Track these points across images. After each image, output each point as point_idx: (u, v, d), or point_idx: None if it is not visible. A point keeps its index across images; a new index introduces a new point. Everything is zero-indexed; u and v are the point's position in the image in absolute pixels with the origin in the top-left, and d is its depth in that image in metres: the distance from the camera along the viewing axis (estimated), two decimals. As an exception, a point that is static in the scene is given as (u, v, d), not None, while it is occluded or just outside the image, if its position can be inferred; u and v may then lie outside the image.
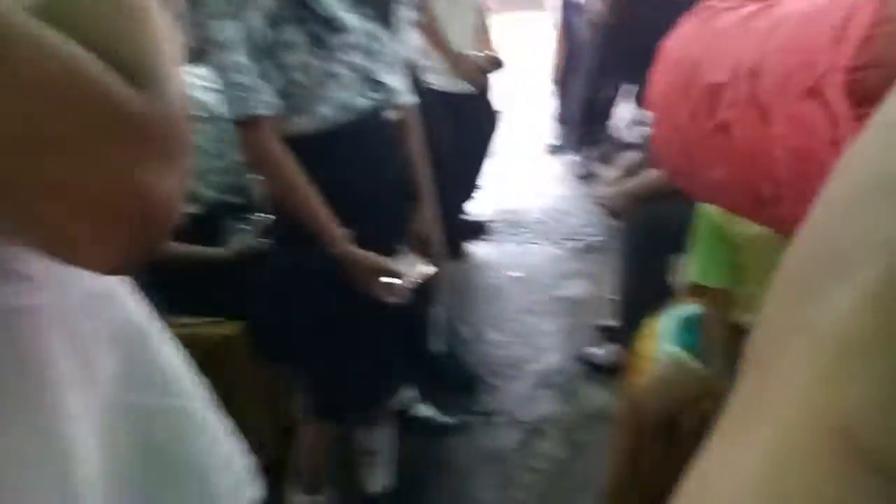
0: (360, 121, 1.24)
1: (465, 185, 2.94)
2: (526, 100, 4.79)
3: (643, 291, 1.88)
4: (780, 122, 0.38)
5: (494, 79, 2.65)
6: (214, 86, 1.42)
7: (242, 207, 1.78)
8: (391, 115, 1.31)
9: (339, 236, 1.22)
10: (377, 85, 1.25)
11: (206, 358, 1.48)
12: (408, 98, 1.37)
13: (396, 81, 1.30)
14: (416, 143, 1.40)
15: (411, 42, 1.39)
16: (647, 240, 1.92)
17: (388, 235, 1.35)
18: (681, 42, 0.49)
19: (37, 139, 0.35)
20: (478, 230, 3.14)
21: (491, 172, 3.03)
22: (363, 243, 1.25)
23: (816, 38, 0.36)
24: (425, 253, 1.39)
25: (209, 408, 0.65)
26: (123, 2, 0.40)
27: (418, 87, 2.48)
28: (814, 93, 0.36)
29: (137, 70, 0.39)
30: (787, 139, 0.37)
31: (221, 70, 1.14)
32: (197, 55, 1.55)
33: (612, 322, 2.22)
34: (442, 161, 1.97)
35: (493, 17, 2.73)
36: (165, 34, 0.42)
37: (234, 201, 1.80)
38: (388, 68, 1.27)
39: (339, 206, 1.22)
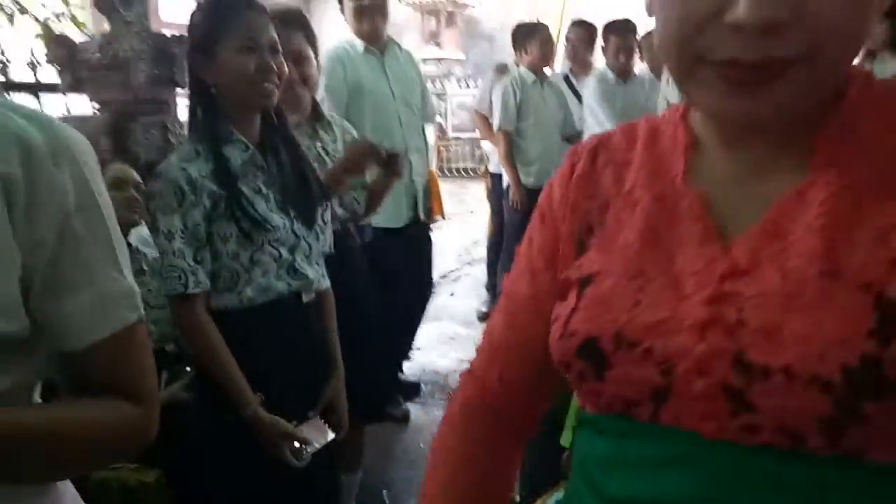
0: (279, 301, 1.42)
1: (399, 345, 3.06)
2: (464, 264, 5.13)
3: (544, 468, 1.99)
4: None
5: (437, 241, 2.90)
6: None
7: (177, 357, 1.91)
8: (308, 297, 1.50)
9: (250, 401, 1.36)
10: (296, 273, 1.45)
11: (125, 502, 1.56)
12: (324, 283, 1.56)
13: (313, 271, 1.50)
14: (329, 322, 1.58)
15: (328, 239, 1.61)
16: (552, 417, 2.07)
17: (298, 403, 1.48)
18: None
19: (72, 461, 0.64)
20: (410, 391, 3.18)
21: (425, 335, 3.20)
22: (274, 409, 1.38)
23: None
24: (332, 420, 1.53)
25: None
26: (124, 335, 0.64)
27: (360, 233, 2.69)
28: None
29: (136, 391, 0.64)
30: None
31: (163, 253, 1.34)
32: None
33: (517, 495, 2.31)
34: (371, 322, 2.14)
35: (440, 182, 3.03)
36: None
37: (170, 350, 1.93)
38: (307, 259, 1.48)
39: (255, 374, 1.37)
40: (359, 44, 2.66)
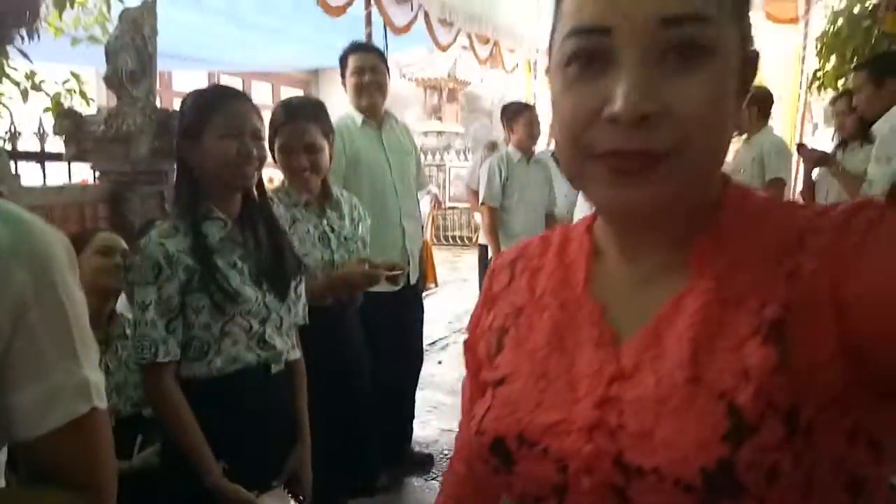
0: (247, 371, 1.48)
1: (400, 415, 3.06)
2: (454, 332, 5.17)
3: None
4: None
5: (428, 308, 2.94)
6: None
7: (152, 422, 1.94)
8: (278, 367, 1.55)
9: (212, 469, 1.40)
10: (265, 344, 1.51)
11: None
12: (294, 354, 1.62)
13: (282, 342, 1.56)
14: (298, 392, 1.64)
15: (301, 310, 1.67)
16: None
17: (263, 472, 1.52)
18: None
19: None
20: (422, 463, 3.13)
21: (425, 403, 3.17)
22: (239, 477, 1.42)
23: None
24: (296, 490, 1.57)
25: None
26: (84, 435, 0.67)
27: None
28: None
29: (86, 483, 0.67)
30: None
31: (136, 323, 1.41)
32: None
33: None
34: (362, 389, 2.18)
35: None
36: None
37: (146, 415, 1.97)
38: (277, 331, 1.55)
39: (221, 442, 1.42)
40: (358, 117, 2.81)
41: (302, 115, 1.94)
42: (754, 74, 0.55)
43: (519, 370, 0.60)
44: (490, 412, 0.59)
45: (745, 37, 0.53)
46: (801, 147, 3.45)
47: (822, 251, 0.48)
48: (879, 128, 2.90)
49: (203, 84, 9.61)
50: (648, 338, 0.53)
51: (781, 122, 6.06)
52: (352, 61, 2.75)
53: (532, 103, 5.66)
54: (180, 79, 8.59)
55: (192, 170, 1.49)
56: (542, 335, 0.60)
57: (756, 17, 5.23)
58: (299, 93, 11.54)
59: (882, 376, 0.44)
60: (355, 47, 2.84)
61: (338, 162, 2.64)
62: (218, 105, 1.47)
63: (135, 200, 2.57)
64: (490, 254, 3.95)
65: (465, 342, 0.72)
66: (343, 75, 2.84)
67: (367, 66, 2.73)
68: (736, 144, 4.57)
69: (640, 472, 0.48)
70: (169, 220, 1.52)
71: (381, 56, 2.81)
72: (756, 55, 0.55)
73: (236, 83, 10.03)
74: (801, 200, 3.58)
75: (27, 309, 0.62)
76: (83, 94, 2.63)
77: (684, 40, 0.48)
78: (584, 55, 0.51)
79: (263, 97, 10.54)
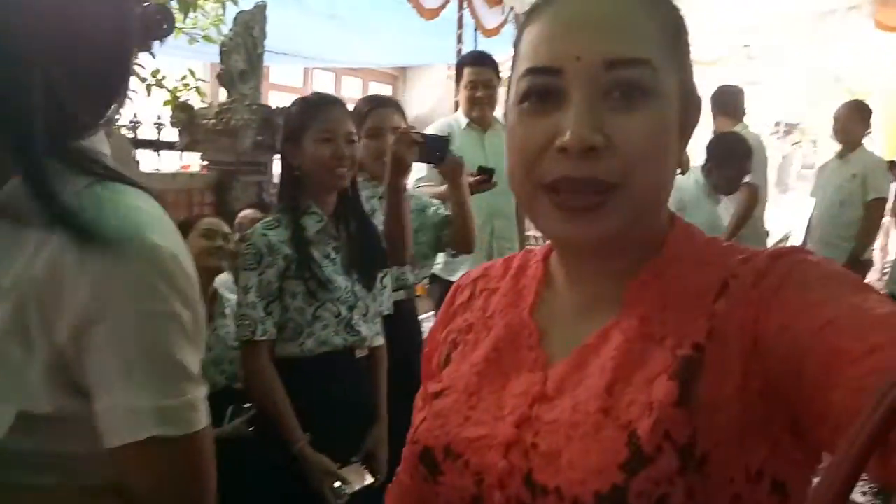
0: (334, 354, 1.63)
1: None
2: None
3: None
4: None
5: None
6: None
7: (244, 393, 2.11)
8: (363, 352, 1.69)
9: (299, 438, 1.54)
10: (352, 330, 1.65)
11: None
12: (378, 341, 1.74)
13: (367, 329, 1.69)
14: (379, 376, 1.76)
15: (386, 300, 1.79)
16: None
17: (344, 448, 1.65)
18: None
19: None
20: None
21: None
22: (322, 450, 1.56)
23: None
24: (373, 466, 1.69)
25: None
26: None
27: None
28: None
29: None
30: None
31: (239, 304, 1.59)
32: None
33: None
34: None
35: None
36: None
37: (239, 388, 2.14)
38: (363, 318, 1.68)
39: (307, 417, 1.56)
40: (463, 120, 2.99)
41: (384, 103, 2.09)
42: (697, 119, 0.59)
43: (456, 385, 0.62)
44: (424, 423, 0.61)
45: (686, 83, 0.57)
46: (893, 166, 3.32)
47: (740, 294, 0.51)
48: None
49: (298, 77, 9.90)
50: (574, 364, 0.56)
51: (885, 134, 5.77)
52: (468, 74, 2.90)
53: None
54: (277, 72, 8.99)
55: (294, 170, 1.65)
56: (482, 353, 0.63)
57: (865, 24, 4.97)
58: (388, 88, 11.83)
59: (794, 414, 0.45)
60: (473, 59, 3.01)
61: None
62: (316, 112, 1.63)
63: (237, 188, 2.79)
64: None
65: (423, 353, 0.75)
66: (457, 82, 3.02)
67: (480, 80, 2.87)
68: (825, 159, 4.39)
69: (545, 490, 0.51)
70: (272, 213, 1.69)
71: (495, 69, 2.94)
72: (698, 101, 0.59)
73: (328, 78, 10.39)
74: (892, 217, 3.43)
75: (92, 322, 0.60)
76: (199, 91, 2.86)
77: (627, 81, 0.52)
78: (538, 92, 0.55)
79: (353, 91, 10.88)
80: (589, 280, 0.61)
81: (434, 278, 2.99)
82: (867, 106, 3.78)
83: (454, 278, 2.86)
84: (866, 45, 6.22)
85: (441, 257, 2.92)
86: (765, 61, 7.04)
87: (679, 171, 0.58)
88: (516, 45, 0.60)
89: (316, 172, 1.62)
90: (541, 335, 0.61)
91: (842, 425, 0.38)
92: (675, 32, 0.57)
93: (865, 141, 3.79)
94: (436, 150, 2.00)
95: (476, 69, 2.90)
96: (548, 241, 0.67)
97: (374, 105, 2.06)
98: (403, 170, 1.84)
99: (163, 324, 0.64)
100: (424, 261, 2.33)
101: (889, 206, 3.49)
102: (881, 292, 0.57)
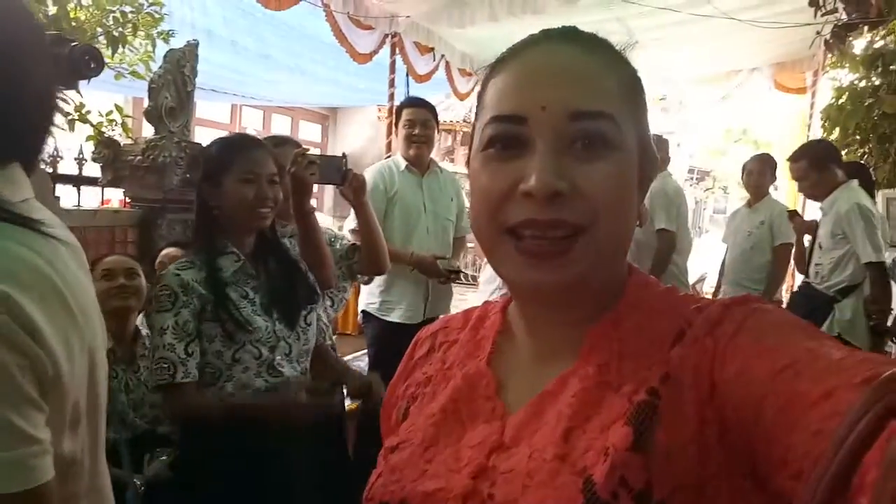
0: (256, 396, 1.57)
1: None
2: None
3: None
4: None
5: None
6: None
7: (166, 438, 2.04)
8: None
9: None
10: (275, 371, 1.60)
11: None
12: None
13: (291, 369, 1.64)
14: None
15: (312, 338, 1.75)
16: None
17: (274, 495, 1.57)
18: None
19: None
20: None
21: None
22: (246, 498, 1.50)
23: None
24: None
25: None
26: None
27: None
28: None
29: None
30: None
31: (155, 348, 1.52)
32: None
33: None
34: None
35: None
36: None
37: (160, 432, 2.07)
38: (286, 358, 1.63)
39: (228, 464, 1.50)
40: (401, 163, 3.04)
41: (283, 141, 2.15)
42: (652, 174, 0.60)
43: (412, 438, 0.61)
44: (379, 479, 0.60)
45: (643, 138, 0.58)
46: (794, 215, 3.59)
47: (696, 342, 0.51)
48: (834, 209, 3.17)
49: (225, 113, 9.76)
50: (532, 412, 0.56)
51: (786, 187, 6.21)
52: (406, 114, 2.99)
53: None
54: (203, 108, 8.85)
55: (211, 209, 1.63)
56: (439, 404, 0.62)
57: (766, 84, 5.39)
58: (318, 127, 11.83)
59: (753, 460, 0.45)
60: (410, 102, 3.11)
61: (377, 203, 2.82)
62: (239, 152, 1.62)
63: (163, 226, 2.72)
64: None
65: (382, 408, 0.74)
66: (396, 124, 3.09)
67: (418, 120, 2.96)
68: (734, 205, 4.72)
69: None
70: (186, 254, 1.65)
71: (432, 111, 3.03)
72: (655, 156, 0.61)
73: (257, 115, 10.32)
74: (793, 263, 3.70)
75: None
76: (125, 127, 2.80)
77: (590, 133, 0.53)
78: (503, 139, 0.55)
79: (283, 129, 10.82)
80: (548, 329, 0.61)
81: (368, 316, 3.00)
82: (773, 158, 4.09)
83: (391, 318, 2.91)
84: (768, 102, 6.74)
85: (376, 295, 2.94)
86: (678, 112, 7.50)
87: (638, 223, 0.59)
88: (481, 94, 0.61)
89: (237, 213, 1.61)
90: (498, 385, 0.61)
91: (802, 470, 0.38)
92: (633, 89, 0.59)
93: (771, 190, 4.10)
94: (334, 169, 2.03)
95: (415, 109, 2.99)
96: (505, 292, 0.66)
97: (273, 144, 2.05)
98: (306, 191, 1.90)
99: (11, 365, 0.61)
100: (339, 293, 2.36)
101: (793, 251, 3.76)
102: None
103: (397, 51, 4.79)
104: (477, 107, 0.62)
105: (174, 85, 2.70)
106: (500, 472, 0.53)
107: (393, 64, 4.88)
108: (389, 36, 4.69)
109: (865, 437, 0.33)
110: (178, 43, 2.83)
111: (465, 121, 11.81)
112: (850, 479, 0.33)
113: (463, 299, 4.12)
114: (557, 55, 0.57)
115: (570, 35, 0.58)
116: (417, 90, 5.61)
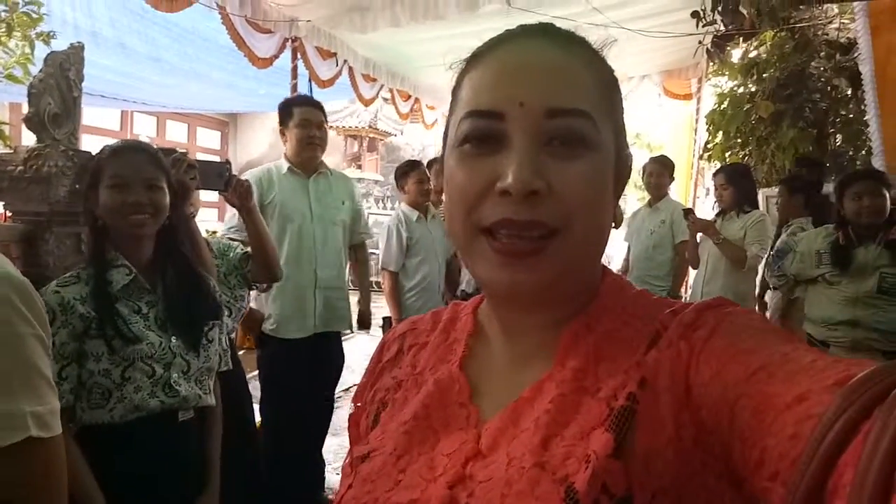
0: (152, 419, 1.48)
1: (311, 465, 3.06)
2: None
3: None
4: None
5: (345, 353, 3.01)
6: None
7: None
8: (187, 414, 1.55)
9: None
10: (171, 390, 1.51)
11: None
12: (207, 400, 1.60)
13: (189, 388, 1.54)
14: (210, 441, 1.62)
15: (214, 355, 1.66)
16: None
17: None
18: None
19: None
20: None
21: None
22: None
23: None
24: None
25: None
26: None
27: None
28: None
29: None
30: None
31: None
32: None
33: None
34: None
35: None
36: None
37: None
38: (184, 376, 1.55)
39: (123, 490, 1.41)
40: (284, 165, 2.87)
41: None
42: (628, 174, 0.60)
43: (383, 446, 0.59)
44: (350, 490, 0.58)
45: (620, 139, 0.58)
46: (688, 213, 3.82)
47: (670, 346, 0.51)
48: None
49: (115, 120, 9.28)
50: (508, 419, 0.55)
51: (677, 187, 6.59)
52: (298, 114, 2.82)
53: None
54: (91, 114, 8.34)
55: (96, 220, 1.55)
56: (411, 411, 0.60)
57: (655, 91, 5.72)
58: (216, 134, 11.42)
59: (729, 462, 0.45)
60: (303, 101, 2.96)
61: None
62: (111, 158, 1.54)
63: (51, 241, 2.53)
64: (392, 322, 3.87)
65: (350, 415, 0.72)
66: (284, 124, 2.89)
67: (314, 121, 2.83)
68: (633, 206, 4.95)
69: None
70: (75, 267, 1.55)
71: (324, 113, 2.92)
72: (630, 157, 0.61)
73: (150, 122, 9.83)
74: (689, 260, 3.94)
75: None
76: (2, 135, 2.59)
77: (567, 130, 0.53)
78: (479, 135, 0.54)
79: (179, 137, 10.37)
80: (521, 331, 0.59)
81: (267, 338, 2.87)
82: (671, 160, 4.33)
83: (287, 336, 2.82)
84: (658, 108, 7.14)
85: (271, 317, 2.83)
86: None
87: (613, 224, 0.59)
88: (455, 90, 0.60)
89: (111, 221, 1.53)
90: (471, 390, 0.59)
91: (778, 472, 0.38)
92: (610, 88, 0.58)
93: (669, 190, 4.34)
94: (216, 175, 1.99)
95: (308, 109, 2.85)
96: (478, 294, 0.65)
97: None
98: (186, 195, 1.84)
99: (25, 341, 0.79)
100: (236, 303, 2.30)
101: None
102: None
103: (299, 55, 4.71)
104: (451, 102, 0.60)
105: (58, 90, 2.52)
106: (478, 480, 0.52)
107: (295, 69, 4.79)
108: (290, 40, 4.60)
109: (841, 439, 0.33)
110: (61, 45, 2.65)
111: (370, 126, 11.77)
112: (827, 481, 0.33)
113: (377, 306, 4.08)
114: (535, 51, 0.56)
115: (547, 31, 0.58)
116: (320, 96, 5.54)
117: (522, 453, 0.51)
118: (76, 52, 2.62)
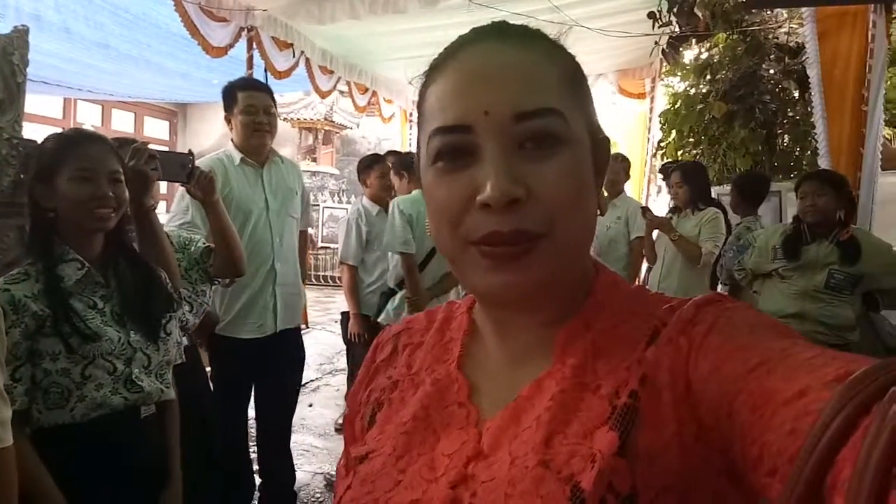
0: (115, 416, 1.44)
1: (281, 466, 2.98)
2: (325, 374, 5.15)
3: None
4: None
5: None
6: None
7: None
8: (149, 410, 1.52)
9: None
10: (133, 385, 1.47)
11: None
12: (167, 395, 1.57)
13: (151, 383, 1.51)
14: (170, 433, 1.59)
15: (172, 349, 1.63)
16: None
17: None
18: None
19: None
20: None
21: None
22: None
23: None
24: None
25: None
26: None
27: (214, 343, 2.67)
28: None
29: None
30: None
31: None
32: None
33: None
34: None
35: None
36: None
37: None
38: (145, 371, 1.51)
39: (87, 490, 1.37)
40: (236, 156, 2.73)
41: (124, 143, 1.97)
42: (608, 158, 0.60)
43: (382, 448, 0.59)
44: (348, 492, 0.58)
45: (592, 124, 0.57)
46: (645, 211, 3.89)
47: (670, 342, 0.51)
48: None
49: (57, 108, 8.96)
50: (509, 418, 0.54)
51: (631, 184, 6.72)
52: (243, 99, 2.67)
53: (406, 150, 5.82)
54: (31, 102, 8.00)
55: (47, 212, 1.47)
56: (409, 411, 0.60)
57: (610, 90, 5.82)
58: (164, 124, 11.09)
59: (730, 458, 0.45)
60: (247, 84, 2.78)
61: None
62: (73, 149, 1.48)
63: (-8, 234, 2.41)
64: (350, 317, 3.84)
65: (346, 416, 0.71)
66: (229, 110, 2.74)
67: (261, 106, 2.67)
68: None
69: None
70: (21, 264, 1.47)
71: (272, 96, 2.76)
72: (606, 140, 0.60)
73: (95, 110, 9.48)
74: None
75: None
76: (-60, 120, 2.44)
77: (538, 131, 0.52)
78: (450, 150, 0.54)
79: (126, 126, 10.04)
80: (517, 331, 0.59)
81: (219, 339, 2.74)
82: (627, 158, 4.40)
83: (243, 336, 2.72)
84: (613, 106, 7.26)
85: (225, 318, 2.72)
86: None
87: (598, 212, 0.59)
88: (420, 104, 0.59)
89: (73, 215, 1.46)
90: (470, 389, 0.59)
91: (777, 468, 0.38)
92: (575, 78, 0.57)
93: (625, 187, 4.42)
94: (178, 166, 1.93)
95: (253, 93, 2.69)
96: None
97: (117, 146, 1.89)
98: (146, 187, 1.77)
99: None
100: (198, 298, 2.23)
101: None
102: None
103: (254, 45, 4.60)
104: (418, 116, 0.59)
105: (1, 75, 2.40)
106: (481, 480, 0.51)
107: (250, 59, 4.67)
108: (246, 30, 4.48)
109: (839, 435, 0.34)
110: (3, 28, 2.52)
111: (326, 119, 11.60)
112: (825, 477, 0.34)
113: (331, 300, 4.03)
114: (493, 55, 0.55)
115: (503, 31, 0.57)
116: (276, 86, 5.43)
117: (525, 452, 0.50)
118: (20, 35, 2.49)
